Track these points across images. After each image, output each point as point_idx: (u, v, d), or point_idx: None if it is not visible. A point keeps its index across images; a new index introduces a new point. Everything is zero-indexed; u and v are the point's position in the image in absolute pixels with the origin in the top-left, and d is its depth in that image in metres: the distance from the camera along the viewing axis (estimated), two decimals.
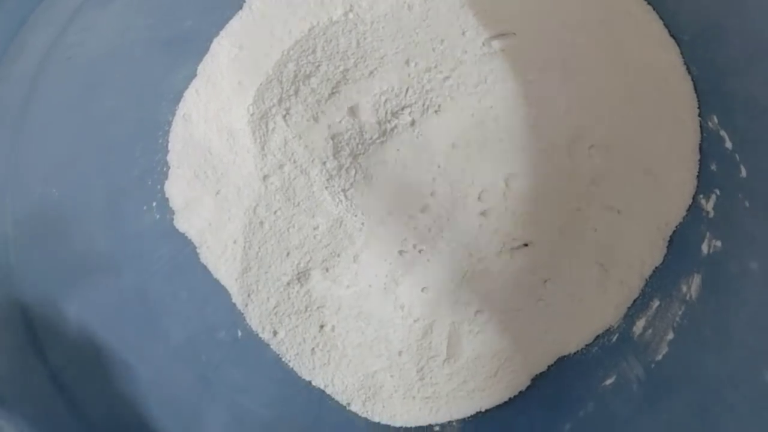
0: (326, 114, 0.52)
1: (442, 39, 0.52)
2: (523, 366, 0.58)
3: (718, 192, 0.50)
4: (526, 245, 0.47)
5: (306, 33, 0.53)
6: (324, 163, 0.53)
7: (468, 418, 0.60)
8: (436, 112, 0.51)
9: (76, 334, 0.49)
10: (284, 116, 0.54)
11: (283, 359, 0.57)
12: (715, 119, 0.49)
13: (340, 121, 0.52)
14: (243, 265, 0.57)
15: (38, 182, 0.46)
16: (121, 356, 0.52)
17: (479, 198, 0.49)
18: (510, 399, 0.59)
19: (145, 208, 0.54)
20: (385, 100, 0.52)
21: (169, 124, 0.54)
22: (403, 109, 0.51)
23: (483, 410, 0.58)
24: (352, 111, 0.52)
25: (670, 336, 0.52)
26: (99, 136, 0.49)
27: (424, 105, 0.51)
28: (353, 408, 0.57)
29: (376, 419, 0.56)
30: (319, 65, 0.52)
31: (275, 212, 0.55)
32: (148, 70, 0.50)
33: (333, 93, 0.52)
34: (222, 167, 0.55)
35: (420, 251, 0.53)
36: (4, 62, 0.38)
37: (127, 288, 0.53)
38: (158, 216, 0.56)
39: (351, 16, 0.53)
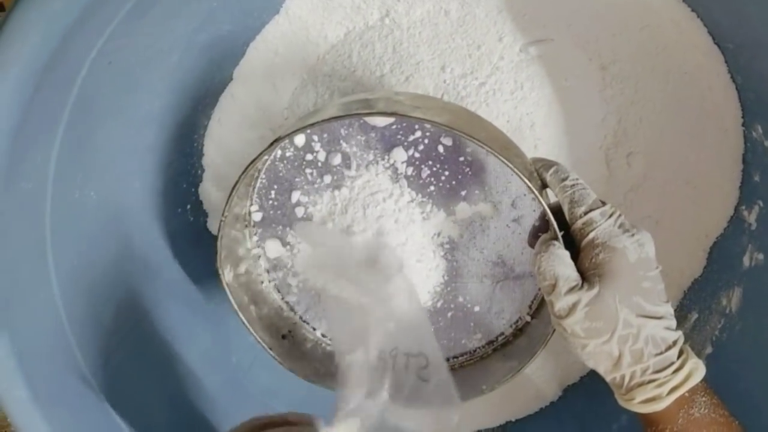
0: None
1: (479, 45, 0.51)
2: (554, 376, 0.57)
3: (761, 203, 0.49)
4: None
5: (342, 38, 0.53)
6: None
7: (497, 428, 0.59)
8: None
9: (112, 335, 0.49)
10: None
11: None
12: (760, 129, 0.48)
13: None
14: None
15: (76, 186, 0.47)
16: (155, 358, 0.52)
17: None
18: (541, 410, 0.58)
19: (179, 210, 0.55)
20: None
21: (205, 127, 0.55)
22: None
23: (513, 420, 0.58)
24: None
25: (709, 350, 0.51)
26: (136, 140, 0.50)
27: None
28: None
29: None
30: (354, 70, 0.52)
31: None
32: (185, 75, 0.50)
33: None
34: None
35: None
36: (48, 68, 0.38)
37: (161, 289, 0.54)
38: (192, 218, 0.56)
39: (387, 21, 0.52)
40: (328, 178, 0.48)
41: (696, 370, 0.39)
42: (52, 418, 0.44)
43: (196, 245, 0.57)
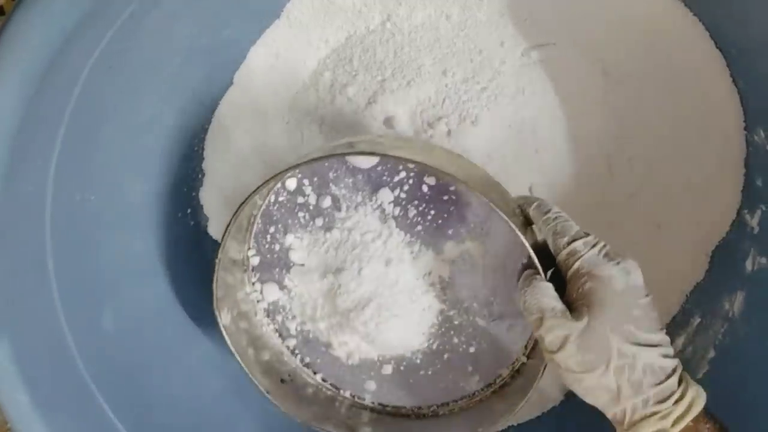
0: (363, 124, 0.52)
1: (480, 49, 0.51)
2: (556, 380, 0.57)
3: (763, 207, 0.49)
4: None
5: (343, 42, 0.53)
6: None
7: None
8: (472, 123, 0.50)
9: (112, 340, 0.49)
10: (320, 125, 0.53)
11: None
12: (762, 133, 0.48)
13: (376, 132, 0.52)
14: None
15: (77, 189, 0.47)
16: (155, 362, 0.52)
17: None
18: (542, 414, 0.58)
19: (180, 214, 0.55)
20: (422, 111, 0.51)
21: (206, 131, 0.55)
22: (439, 119, 0.51)
23: (515, 424, 0.57)
24: (389, 121, 0.51)
25: (711, 354, 0.51)
26: (137, 144, 0.50)
27: (460, 116, 0.51)
28: None
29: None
30: (355, 75, 0.52)
31: None
32: (186, 79, 0.50)
33: (370, 103, 0.52)
34: (256, 174, 0.56)
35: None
36: (49, 72, 0.38)
37: (162, 294, 0.53)
38: (192, 223, 0.56)
39: (389, 25, 0.52)
40: (319, 221, 0.49)
41: (698, 397, 0.37)
42: (52, 423, 0.44)
43: (196, 249, 0.56)
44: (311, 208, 0.49)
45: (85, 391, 0.47)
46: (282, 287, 0.51)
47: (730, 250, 0.51)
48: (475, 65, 0.51)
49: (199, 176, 0.56)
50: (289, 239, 0.50)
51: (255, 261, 0.51)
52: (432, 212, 0.47)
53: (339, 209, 0.49)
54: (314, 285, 0.50)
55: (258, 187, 0.45)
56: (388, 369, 0.52)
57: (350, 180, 0.48)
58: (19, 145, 0.40)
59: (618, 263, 0.39)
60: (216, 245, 0.57)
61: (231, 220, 0.46)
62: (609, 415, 0.39)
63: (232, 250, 0.50)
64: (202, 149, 0.55)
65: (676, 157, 0.52)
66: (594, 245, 0.39)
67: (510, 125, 0.51)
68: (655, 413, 0.37)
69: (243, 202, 0.45)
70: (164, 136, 0.51)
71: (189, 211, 0.55)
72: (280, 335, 0.53)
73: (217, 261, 0.47)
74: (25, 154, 0.41)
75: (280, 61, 0.54)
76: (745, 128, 0.50)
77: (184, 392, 0.54)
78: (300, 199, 0.49)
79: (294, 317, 0.52)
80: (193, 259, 0.56)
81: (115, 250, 0.50)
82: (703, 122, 0.50)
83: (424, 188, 0.47)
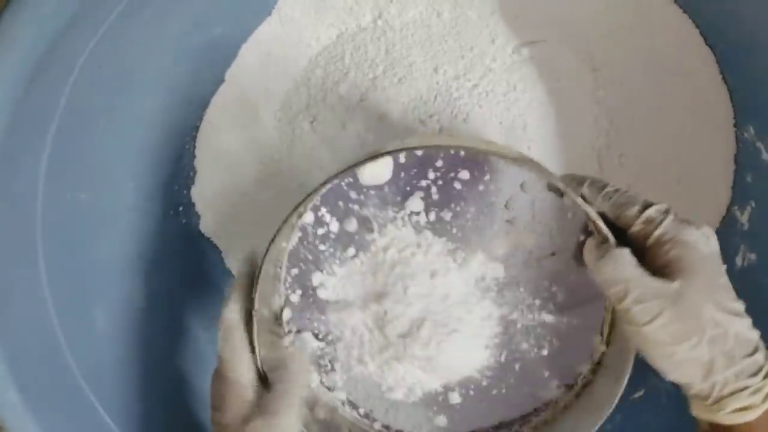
0: (354, 121, 0.52)
1: (472, 47, 0.51)
2: None
3: (753, 204, 0.49)
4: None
5: (334, 39, 0.53)
6: None
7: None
8: (464, 120, 0.50)
9: (104, 338, 0.49)
10: (311, 123, 0.53)
11: None
12: (752, 130, 0.48)
13: (368, 129, 0.52)
14: None
15: (67, 187, 0.46)
16: (148, 361, 0.52)
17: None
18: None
19: (171, 212, 0.55)
20: (414, 108, 0.51)
21: (197, 129, 0.54)
22: (431, 116, 0.51)
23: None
24: (381, 118, 0.51)
25: None
26: (128, 142, 0.49)
27: (452, 113, 0.51)
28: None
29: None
30: (347, 72, 0.52)
31: None
32: (177, 77, 0.50)
33: (361, 100, 0.52)
34: (248, 172, 0.55)
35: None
36: (39, 71, 0.38)
37: (154, 292, 0.53)
38: (184, 221, 0.56)
39: (380, 23, 0.52)
40: (351, 250, 0.44)
41: None
42: (44, 422, 0.44)
43: (189, 247, 0.56)
44: (334, 236, 0.44)
45: (77, 390, 0.47)
46: (318, 335, 0.46)
47: (720, 246, 0.51)
48: (467, 62, 0.51)
49: (191, 174, 0.55)
50: (317, 278, 0.45)
51: (287, 314, 0.45)
52: (471, 209, 0.43)
53: (370, 230, 0.44)
54: (356, 319, 0.45)
55: (279, 228, 0.40)
56: (455, 398, 0.46)
57: (374, 194, 0.43)
58: (9, 144, 0.40)
59: (698, 228, 0.37)
60: (208, 243, 0.57)
61: (260, 267, 0.40)
62: (693, 391, 0.36)
63: (264, 308, 0.43)
64: (194, 147, 0.55)
65: (666, 154, 0.52)
66: (667, 211, 0.37)
67: (501, 122, 0.51)
68: (746, 387, 0.35)
69: (267, 250, 0.40)
70: (155, 135, 0.51)
71: (180, 209, 0.55)
72: (329, 389, 0.47)
73: (254, 312, 0.41)
74: (16, 153, 0.41)
75: (271, 59, 0.53)
76: (735, 125, 0.50)
77: (178, 390, 0.54)
78: (320, 231, 0.44)
79: (340, 365, 0.46)
80: (185, 258, 0.56)
81: (106, 248, 0.50)
82: (693, 119, 0.50)
83: (457, 186, 0.43)
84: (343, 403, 0.47)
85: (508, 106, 0.51)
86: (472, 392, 0.46)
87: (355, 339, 0.45)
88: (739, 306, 0.36)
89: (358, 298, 0.45)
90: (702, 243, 0.36)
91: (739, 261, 0.50)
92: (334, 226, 0.44)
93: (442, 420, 0.47)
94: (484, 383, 0.46)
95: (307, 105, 0.53)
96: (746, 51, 0.47)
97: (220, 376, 0.41)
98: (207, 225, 0.57)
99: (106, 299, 0.50)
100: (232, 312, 0.41)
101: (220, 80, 0.54)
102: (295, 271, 0.45)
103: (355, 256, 0.44)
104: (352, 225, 0.44)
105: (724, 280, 0.37)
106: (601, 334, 0.45)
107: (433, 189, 0.43)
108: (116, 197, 0.50)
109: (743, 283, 0.49)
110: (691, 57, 0.49)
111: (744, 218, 0.50)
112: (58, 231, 0.46)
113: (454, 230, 0.44)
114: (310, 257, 0.45)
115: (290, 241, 0.44)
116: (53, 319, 0.46)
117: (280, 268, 0.44)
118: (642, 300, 0.35)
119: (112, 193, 0.50)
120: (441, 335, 0.44)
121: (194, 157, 0.55)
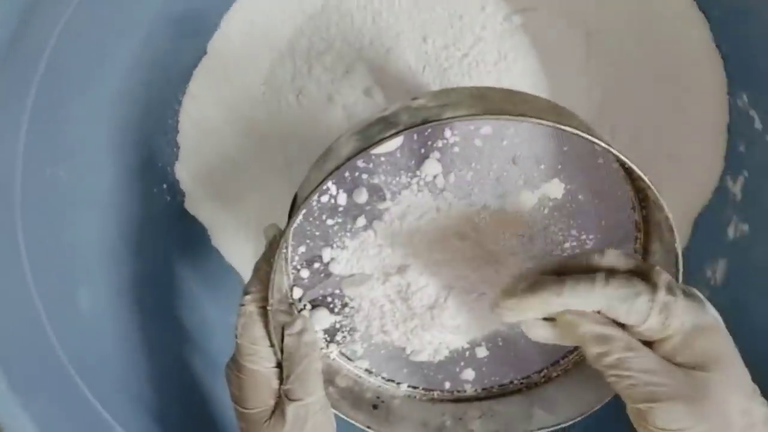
0: (341, 93, 0.51)
1: (461, 15, 0.50)
2: None
3: (746, 174, 0.49)
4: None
5: (319, 9, 0.51)
6: None
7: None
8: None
9: (89, 321, 0.48)
10: (297, 96, 0.52)
11: None
12: (745, 98, 0.48)
13: (355, 102, 0.51)
14: (256, 250, 0.56)
15: (46, 164, 0.45)
16: (135, 344, 0.51)
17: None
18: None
19: (155, 190, 0.53)
20: (402, 79, 0.50)
21: (179, 103, 0.53)
22: (419, 88, 0.50)
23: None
24: (368, 90, 0.50)
25: None
26: (107, 117, 0.48)
27: (441, 84, 0.50)
28: None
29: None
30: (333, 42, 0.51)
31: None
32: (157, 49, 0.48)
33: (348, 72, 0.50)
34: (233, 147, 0.54)
35: None
36: (14, 41, 0.36)
37: (139, 273, 0.52)
38: (169, 198, 0.55)
39: None
40: (361, 220, 0.41)
41: None
42: (30, 405, 0.43)
43: (174, 226, 0.55)
44: (342, 209, 0.41)
45: (63, 373, 0.46)
46: (334, 309, 0.44)
47: (712, 217, 0.51)
48: (456, 31, 0.50)
49: (174, 150, 0.54)
50: (327, 253, 0.42)
51: (297, 293, 0.43)
52: (493, 166, 0.40)
53: (382, 198, 0.41)
54: (375, 293, 0.42)
55: (287, 226, 0.36)
56: (482, 351, 0.45)
57: (385, 159, 0.40)
58: None
59: (696, 298, 0.33)
60: (194, 221, 0.56)
61: (278, 253, 0.37)
62: None
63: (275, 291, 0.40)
64: (177, 122, 0.53)
65: (658, 125, 0.51)
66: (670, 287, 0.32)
67: None
68: None
69: (282, 236, 0.37)
70: (136, 108, 0.50)
71: (165, 186, 0.54)
72: (350, 359, 0.45)
73: (269, 309, 0.39)
74: None
75: (255, 30, 0.52)
76: (728, 93, 0.49)
77: (165, 374, 0.53)
78: (326, 205, 0.41)
79: (359, 335, 0.44)
80: (171, 236, 0.55)
81: (88, 227, 0.49)
82: (685, 88, 0.50)
83: (478, 142, 0.40)
84: (366, 371, 0.46)
85: (499, 76, 0.50)
86: (500, 344, 0.45)
87: (375, 310, 0.43)
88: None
89: (376, 270, 0.42)
90: (719, 320, 0.33)
91: (731, 232, 0.50)
92: (342, 199, 0.41)
93: (468, 374, 0.46)
94: (512, 334, 0.44)
95: (292, 77, 0.52)
96: (741, 16, 0.46)
97: (240, 368, 0.39)
98: (192, 203, 0.55)
99: (90, 280, 0.49)
100: (252, 302, 0.39)
101: (203, 52, 0.52)
102: (302, 249, 0.42)
103: (368, 227, 0.41)
104: (362, 196, 0.41)
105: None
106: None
107: (452, 149, 0.40)
108: (97, 174, 0.49)
109: (736, 256, 0.49)
110: (684, 25, 0.49)
111: (736, 189, 0.50)
112: (38, 209, 0.45)
113: (476, 189, 0.41)
114: (317, 233, 0.42)
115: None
116: (36, 301, 0.45)
117: (285, 248, 0.41)
118: (669, 413, 0.31)
119: (92, 170, 0.48)
120: (469, 302, 0.42)
121: (178, 132, 0.54)
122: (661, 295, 0.32)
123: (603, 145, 0.35)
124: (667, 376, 0.31)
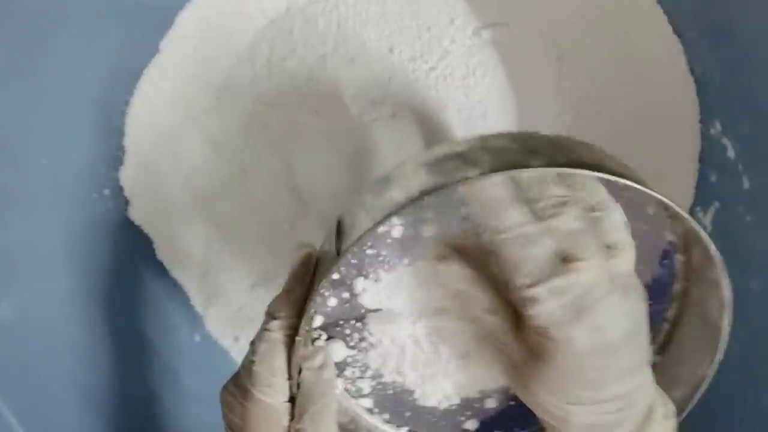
0: (303, 103, 0.48)
1: (429, 26, 0.48)
2: None
3: (717, 204, 0.47)
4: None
5: (282, 12, 0.49)
6: None
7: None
8: (420, 105, 0.48)
9: (9, 332, 0.44)
10: (255, 103, 0.50)
11: None
12: (718, 125, 0.47)
13: (317, 110, 0.48)
14: (203, 264, 0.52)
15: None
16: (63, 362, 0.47)
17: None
18: None
19: (96, 196, 0.50)
20: (366, 90, 0.48)
21: (127, 104, 0.50)
22: (384, 100, 0.48)
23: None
24: (331, 100, 0.48)
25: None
26: (45, 113, 0.45)
27: (407, 97, 0.48)
28: None
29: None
30: (295, 48, 0.48)
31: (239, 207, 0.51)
32: (101, 44, 0.46)
33: (310, 79, 0.48)
34: (184, 155, 0.51)
35: None
36: None
37: (73, 286, 0.49)
38: (111, 206, 0.51)
39: None
40: (407, 256, 0.37)
41: None
42: None
43: (115, 235, 0.52)
44: (391, 240, 0.37)
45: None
46: (349, 342, 0.40)
47: None
48: (424, 43, 0.48)
49: (119, 154, 0.51)
50: (360, 284, 0.38)
51: (318, 321, 0.39)
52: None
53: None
54: (402, 332, 0.39)
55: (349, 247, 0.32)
56: (491, 403, 0.42)
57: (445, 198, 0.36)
58: None
59: None
60: (138, 231, 0.52)
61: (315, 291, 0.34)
62: None
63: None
64: (124, 124, 0.50)
65: (628, 151, 0.49)
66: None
67: (459, 109, 0.48)
68: None
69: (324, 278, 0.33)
70: (78, 107, 0.46)
71: (107, 192, 0.51)
72: (353, 396, 0.42)
73: (299, 339, 0.35)
74: None
75: (212, 31, 0.49)
76: (700, 120, 0.48)
77: (101, 395, 0.49)
78: (380, 231, 0.37)
79: (370, 373, 0.41)
80: (110, 247, 0.51)
81: (16, 231, 0.45)
82: (657, 113, 0.48)
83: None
84: (367, 410, 0.42)
85: (467, 92, 0.48)
86: (511, 397, 0.42)
87: (395, 349, 0.40)
88: None
89: (408, 309, 0.39)
90: None
91: None
92: (397, 231, 0.37)
93: (472, 424, 0.43)
94: None
95: (251, 83, 0.49)
96: (716, 38, 0.45)
97: (249, 397, 0.35)
98: (136, 212, 0.52)
99: (13, 288, 0.45)
100: (280, 330, 0.35)
101: (154, 51, 0.49)
102: (334, 275, 0.38)
103: (411, 263, 0.37)
104: (430, 230, 0.37)
105: None
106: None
107: None
108: (30, 175, 0.45)
109: None
110: (658, 47, 0.48)
111: (707, 220, 0.48)
112: None
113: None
114: (354, 260, 0.38)
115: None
116: None
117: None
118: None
119: (25, 170, 0.45)
120: (496, 354, 0.37)
121: (124, 135, 0.50)
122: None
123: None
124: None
